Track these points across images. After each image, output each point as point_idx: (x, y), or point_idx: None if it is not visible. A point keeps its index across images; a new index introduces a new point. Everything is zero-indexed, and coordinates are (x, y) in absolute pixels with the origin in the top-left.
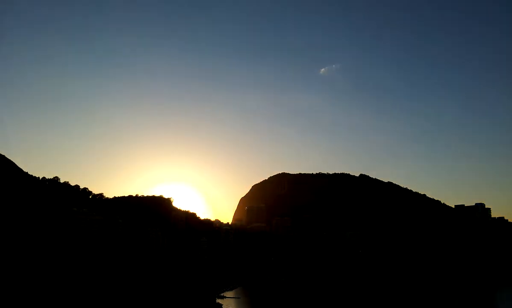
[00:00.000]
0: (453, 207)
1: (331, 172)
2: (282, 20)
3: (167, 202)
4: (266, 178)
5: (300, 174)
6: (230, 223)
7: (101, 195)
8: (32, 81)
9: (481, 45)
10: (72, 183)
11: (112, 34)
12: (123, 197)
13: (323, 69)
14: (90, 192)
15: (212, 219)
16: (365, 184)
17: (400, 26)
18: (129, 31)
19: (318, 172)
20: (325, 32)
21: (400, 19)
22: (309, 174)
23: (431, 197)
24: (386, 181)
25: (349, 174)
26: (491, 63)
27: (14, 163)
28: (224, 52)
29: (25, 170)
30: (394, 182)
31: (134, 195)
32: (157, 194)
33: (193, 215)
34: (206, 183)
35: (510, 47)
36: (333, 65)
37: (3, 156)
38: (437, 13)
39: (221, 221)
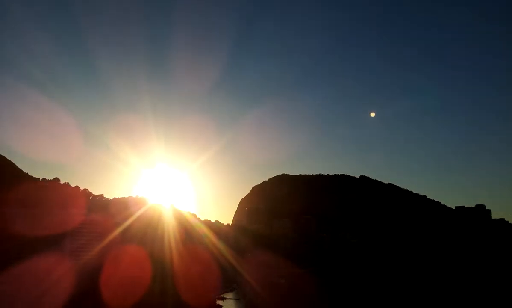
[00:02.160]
0: (454, 208)
1: (331, 173)
2: None
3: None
4: (267, 179)
5: (300, 175)
6: (230, 224)
7: (101, 196)
8: (31, 80)
9: (481, 44)
10: (72, 184)
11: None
12: (123, 198)
13: None
14: (91, 193)
15: (213, 220)
16: (365, 185)
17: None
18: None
19: (318, 173)
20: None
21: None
22: (309, 175)
23: (432, 198)
24: (386, 182)
25: (349, 175)
26: (490, 62)
27: (14, 164)
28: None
29: (25, 170)
30: (394, 183)
31: (134, 196)
32: (156, 195)
33: (194, 216)
34: (206, 184)
35: (510, 46)
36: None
37: (3, 157)
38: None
39: (222, 222)
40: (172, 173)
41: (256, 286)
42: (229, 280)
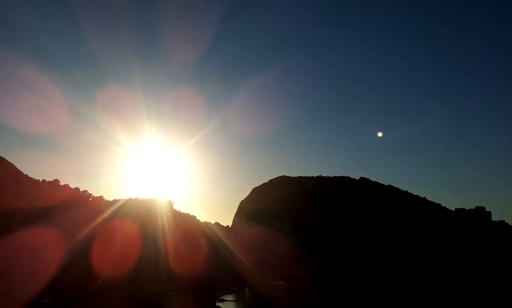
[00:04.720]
0: (454, 210)
1: (331, 175)
2: None
3: (168, 204)
4: (266, 181)
5: (300, 177)
6: (230, 226)
7: (101, 197)
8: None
9: (480, 45)
10: (72, 186)
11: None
12: (123, 199)
13: None
14: (90, 195)
15: (212, 221)
16: (365, 187)
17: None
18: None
19: (318, 175)
20: None
21: None
22: (310, 177)
23: (432, 200)
24: (386, 184)
25: (349, 177)
26: (489, 63)
27: (14, 165)
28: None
29: (24, 172)
30: (394, 185)
31: (134, 197)
32: (157, 197)
33: (193, 217)
34: (206, 186)
35: (510, 46)
36: None
37: (3, 158)
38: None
39: (221, 224)
40: (172, 174)
41: (255, 287)
42: (229, 282)
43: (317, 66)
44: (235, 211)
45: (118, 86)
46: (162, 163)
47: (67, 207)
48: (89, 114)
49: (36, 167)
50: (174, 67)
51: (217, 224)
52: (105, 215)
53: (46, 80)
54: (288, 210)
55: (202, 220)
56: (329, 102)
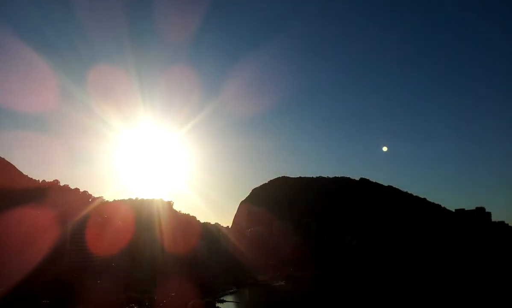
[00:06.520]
0: (454, 211)
1: (331, 176)
2: None
3: (168, 205)
4: (267, 182)
5: (300, 177)
6: (230, 226)
7: (101, 198)
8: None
9: (479, 44)
10: (72, 186)
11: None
12: (123, 200)
13: None
14: (90, 195)
15: (212, 222)
16: (365, 188)
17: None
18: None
19: (318, 176)
20: None
21: None
22: (310, 178)
23: (432, 201)
24: (386, 184)
25: (349, 177)
26: (489, 63)
27: (14, 166)
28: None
29: (24, 173)
30: (394, 186)
31: (134, 198)
32: (157, 197)
33: (193, 218)
34: (206, 186)
35: (510, 47)
36: None
37: (3, 159)
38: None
39: (221, 224)
40: (172, 175)
41: (255, 288)
42: (229, 282)
43: (320, 62)
44: (235, 212)
45: (110, 66)
46: (157, 150)
47: (66, 207)
48: (79, 96)
49: (25, 153)
50: (168, 45)
51: (217, 224)
52: (105, 215)
53: (34, 59)
54: (288, 210)
55: (202, 221)
56: (330, 102)
